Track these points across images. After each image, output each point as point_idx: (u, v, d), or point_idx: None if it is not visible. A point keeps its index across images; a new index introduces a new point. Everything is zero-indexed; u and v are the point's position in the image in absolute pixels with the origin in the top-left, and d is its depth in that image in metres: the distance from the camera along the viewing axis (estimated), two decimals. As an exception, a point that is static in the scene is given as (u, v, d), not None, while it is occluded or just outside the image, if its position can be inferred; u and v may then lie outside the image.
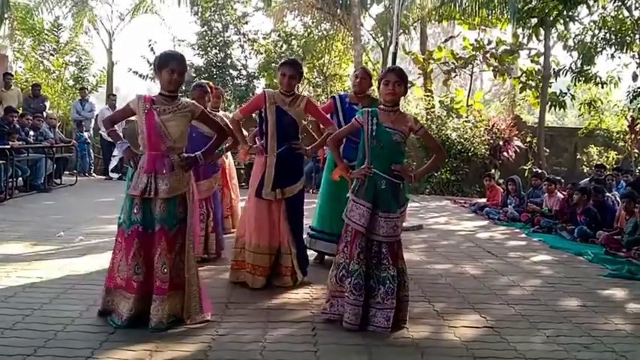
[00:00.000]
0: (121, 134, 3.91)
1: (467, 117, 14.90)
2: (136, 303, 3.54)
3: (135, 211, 3.59)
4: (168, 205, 3.60)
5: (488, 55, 15.88)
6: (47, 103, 13.28)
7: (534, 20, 14.52)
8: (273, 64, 14.91)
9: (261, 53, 16.66)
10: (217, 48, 16.10)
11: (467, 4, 15.04)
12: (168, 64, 3.61)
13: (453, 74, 16.73)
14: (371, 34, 18.27)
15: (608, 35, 14.09)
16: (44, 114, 12.10)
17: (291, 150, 4.60)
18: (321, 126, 5.24)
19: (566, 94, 15.50)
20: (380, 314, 3.68)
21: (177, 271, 3.63)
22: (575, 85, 15.16)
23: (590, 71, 14.68)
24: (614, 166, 11.91)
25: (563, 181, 10.16)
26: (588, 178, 10.31)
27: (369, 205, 3.73)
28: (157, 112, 3.60)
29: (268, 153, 4.59)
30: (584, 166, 14.76)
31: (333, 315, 3.80)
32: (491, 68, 16.22)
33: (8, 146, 8.99)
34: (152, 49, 15.12)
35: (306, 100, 4.69)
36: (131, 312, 3.53)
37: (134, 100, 3.68)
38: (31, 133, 10.54)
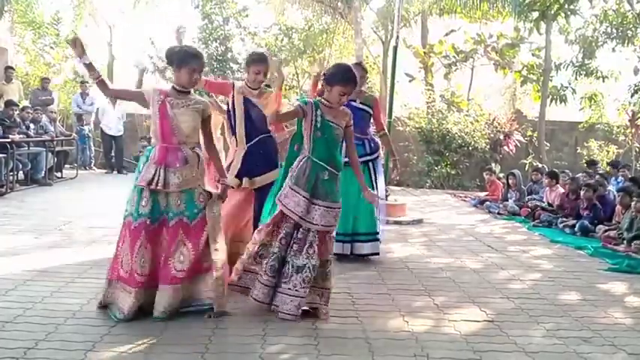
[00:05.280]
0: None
1: (467, 111, 14.88)
2: (138, 296, 3.54)
3: (143, 203, 3.57)
4: (185, 197, 3.61)
5: (489, 49, 15.83)
6: (55, 97, 13.32)
7: (535, 14, 14.46)
8: (274, 58, 14.86)
9: (262, 47, 16.61)
10: (218, 41, 16.07)
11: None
12: (190, 63, 3.60)
13: (454, 68, 16.69)
14: (372, 28, 18.21)
15: (609, 29, 14.04)
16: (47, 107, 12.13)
17: (262, 142, 4.54)
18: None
19: (567, 87, 15.45)
20: (291, 301, 3.67)
21: (203, 259, 3.66)
22: (576, 79, 15.12)
23: (591, 65, 14.64)
24: (610, 162, 11.85)
25: (568, 172, 10.09)
26: (582, 173, 10.18)
27: (305, 195, 3.73)
28: (170, 104, 3.60)
29: (238, 145, 4.57)
30: (584, 160, 14.74)
31: (240, 287, 3.84)
32: (493, 62, 16.18)
33: (9, 140, 8.99)
34: (152, 43, 15.10)
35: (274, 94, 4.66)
36: (133, 306, 3.53)
37: (149, 91, 3.69)
38: (32, 126, 10.53)
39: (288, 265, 3.72)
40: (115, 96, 3.77)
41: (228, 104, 4.71)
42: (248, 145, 4.54)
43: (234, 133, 4.66)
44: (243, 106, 4.54)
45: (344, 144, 4.06)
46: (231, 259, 4.57)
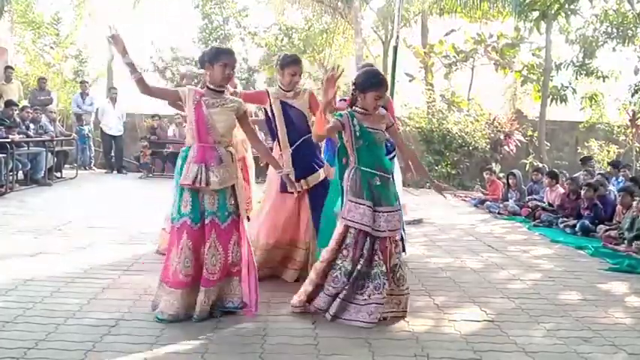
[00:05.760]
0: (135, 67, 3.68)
1: (467, 111, 14.87)
2: (178, 297, 3.56)
3: (184, 204, 3.61)
4: (218, 197, 3.64)
5: (489, 49, 15.82)
6: (54, 97, 13.30)
7: (536, 13, 14.46)
8: (274, 58, 14.85)
9: (262, 47, 16.62)
10: (218, 41, 16.06)
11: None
12: (221, 58, 3.65)
13: (454, 68, 16.69)
14: (372, 28, 18.21)
15: (609, 29, 14.03)
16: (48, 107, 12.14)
17: (305, 142, 4.53)
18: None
19: (567, 87, 15.45)
20: (364, 309, 3.69)
21: (234, 261, 3.69)
22: (576, 78, 15.12)
23: (591, 65, 14.64)
24: (610, 161, 11.83)
25: (565, 172, 10.09)
26: (582, 172, 10.15)
27: (369, 204, 3.74)
28: (206, 104, 3.64)
29: (282, 149, 4.57)
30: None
31: (307, 306, 3.84)
32: (493, 62, 16.18)
33: (9, 140, 8.99)
34: (152, 43, 15.15)
35: (308, 92, 4.69)
36: (174, 308, 3.55)
37: (184, 90, 3.72)
38: (32, 126, 10.52)
39: (363, 279, 3.73)
40: (152, 95, 3.76)
41: (265, 111, 4.73)
42: (292, 148, 4.55)
43: (274, 138, 4.68)
44: (282, 110, 4.55)
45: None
46: (285, 262, 4.62)
